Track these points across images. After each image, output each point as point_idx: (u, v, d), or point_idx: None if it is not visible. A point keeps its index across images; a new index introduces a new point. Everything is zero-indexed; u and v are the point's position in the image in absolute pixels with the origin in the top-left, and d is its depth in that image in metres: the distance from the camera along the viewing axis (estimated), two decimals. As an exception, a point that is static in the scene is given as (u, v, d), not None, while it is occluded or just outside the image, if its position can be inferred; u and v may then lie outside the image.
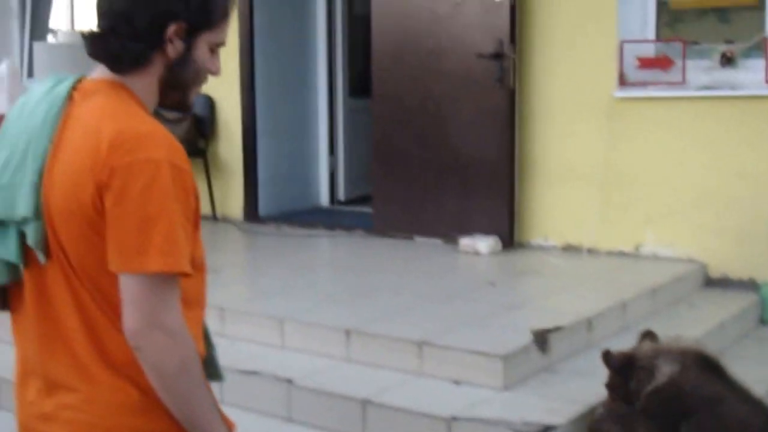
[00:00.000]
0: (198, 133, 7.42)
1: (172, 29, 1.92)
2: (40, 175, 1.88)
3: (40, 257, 1.90)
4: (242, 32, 7.29)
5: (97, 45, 1.94)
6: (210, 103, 7.53)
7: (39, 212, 1.88)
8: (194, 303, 2.00)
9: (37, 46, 7.85)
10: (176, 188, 1.82)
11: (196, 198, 1.91)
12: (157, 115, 6.34)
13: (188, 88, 2.03)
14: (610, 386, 3.33)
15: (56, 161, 1.88)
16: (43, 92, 1.97)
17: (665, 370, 3.15)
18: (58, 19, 8.94)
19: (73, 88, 1.96)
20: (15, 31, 9.09)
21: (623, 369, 3.25)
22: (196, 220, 1.92)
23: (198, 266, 1.96)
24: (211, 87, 7.30)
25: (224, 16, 2.00)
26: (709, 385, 3.14)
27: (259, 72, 7.39)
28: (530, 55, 5.93)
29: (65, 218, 1.86)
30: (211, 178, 7.43)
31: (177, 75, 1.98)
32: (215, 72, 2.03)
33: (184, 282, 1.88)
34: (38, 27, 9.09)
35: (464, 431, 3.37)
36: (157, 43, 1.93)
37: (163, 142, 1.84)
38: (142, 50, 1.92)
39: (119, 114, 1.88)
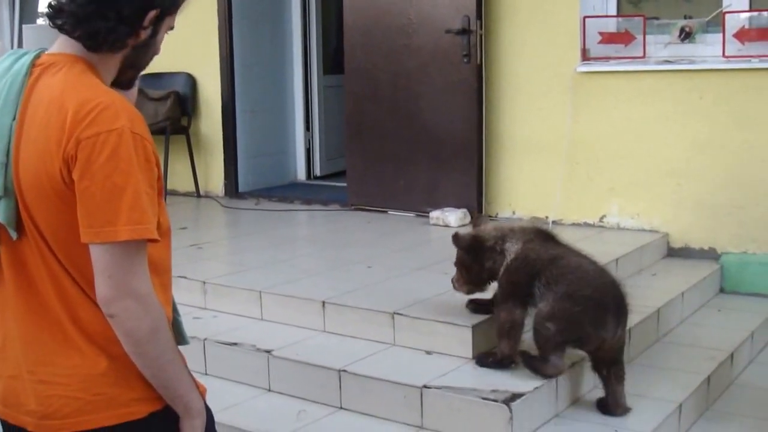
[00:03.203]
0: (181, 111, 7.38)
1: (151, 15, 1.93)
2: (8, 153, 1.87)
3: (12, 233, 1.89)
4: (221, 12, 7.26)
5: (77, 25, 1.90)
6: (192, 82, 7.49)
7: (9, 190, 1.87)
8: (161, 269, 2.00)
9: (26, 28, 7.81)
10: (138, 156, 1.82)
11: (158, 165, 1.91)
12: (142, 93, 6.25)
13: (142, 68, 2.05)
14: (459, 263, 3.74)
15: (22, 137, 1.87)
16: (2, 70, 1.95)
17: (513, 249, 3.55)
18: (46, 2, 8.90)
19: (32, 63, 1.93)
20: (5, 14, 9.03)
21: (471, 248, 3.66)
22: (159, 187, 1.92)
23: (164, 232, 1.96)
24: (192, 65, 7.39)
25: (184, 0, 2.02)
26: (549, 249, 3.55)
27: (238, 51, 7.36)
28: (496, 31, 5.91)
29: (36, 193, 1.85)
30: (194, 155, 7.39)
31: (139, 56, 2.00)
32: (158, 53, 2.05)
33: (151, 249, 1.88)
34: (27, 11, 9.02)
35: (436, 399, 3.39)
36: (138, 28, 1.93)
37: (123, 111, 1.83)
38: (127, 34, 1.92)
39: (81, 87, 1.86)
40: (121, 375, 1.91)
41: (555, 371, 3.46)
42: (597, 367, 3.55)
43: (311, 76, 8.01)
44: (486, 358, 3.63)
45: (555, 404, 3.52)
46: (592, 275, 3.49)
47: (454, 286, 3.82)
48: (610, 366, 3.51)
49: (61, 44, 1.97)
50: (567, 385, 3.58)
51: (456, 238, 3.72)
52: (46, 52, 1.97)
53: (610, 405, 3.53)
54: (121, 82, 2.03)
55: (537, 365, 3.46)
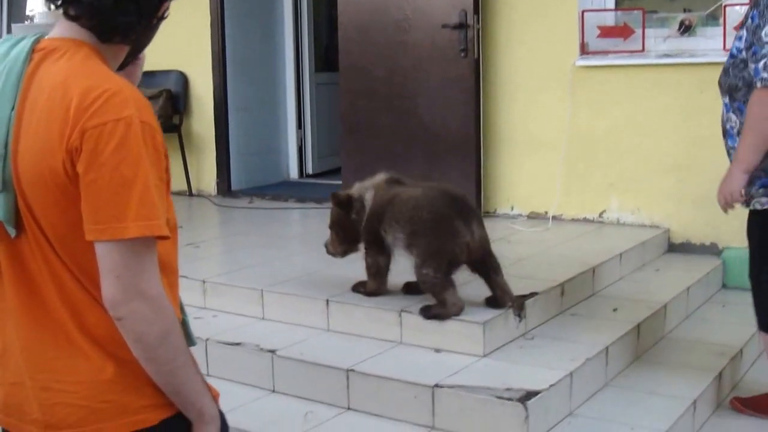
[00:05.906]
0: (172, 109, 7.25)
1: (166, 5, 1.83)
2: (6, 145, 1.70)
3: (10, 231, 1.73)
4: (213, 11, 7.16)
5: (94, 17, 1.74)
6: (184, 80, 7.36)
7: (8, 184, 1.71)
8: (169, 268, 1.84)
9: (16, 27, 7.68)
10: (147, 147, 1.66)
11: (166, 157, 1.76)
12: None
13: (142, 50, 1.93)
14: (334, 224, 4.04)
15: (22, 127, 1.70)
16: None
17: (368, 198, 3.87)
18: (34, 5, 8.79)
19: (32, 48, 1.77)
20: (-7, 15, 8.89)
21: (345, 204, 3.94)
22: (167, 179, 1.78)
23: (171, 228, 1.81)
24: (184, 64, 7.24)
25: None
26: (390, 192, 3.83)
27: (230, 49, 7.25)
28: (494, 26, 5.80)
29: (36, 187, 1.69)
30: (186, 153, 7.26)
31: (144, 42, 1.89)
32: None
33: (159, 246, 1.72)
34: (16, 11, 8.89)
35: (448, 398, 3.26)
36: (153, 19, 1.82)
37: (131, 99, 1.67)
38: (145, 27, 1.80)
39: (86, 73, 1.70)
40: (130, 381, 1.76)
41: (457, 309, 3.62)
42: (475, 269, 3.73)
43: (303, 74, 7.89)
44: (358, 288, 3.99)
45: (569, 402, 3.41)
46: (422, 200, 3.70)
47: (328, 250, 4.11)
48: (483, 263, 3.69)
49: (63, 28, 1.80)
50: (581, 382, 3.45)
51: (333, 196, 4.01)
52: (47, 37, 1.81)
53: (498, 298, 3.70)
54: (121, 67, 1.90)
55: (439, 312, 3.63)
